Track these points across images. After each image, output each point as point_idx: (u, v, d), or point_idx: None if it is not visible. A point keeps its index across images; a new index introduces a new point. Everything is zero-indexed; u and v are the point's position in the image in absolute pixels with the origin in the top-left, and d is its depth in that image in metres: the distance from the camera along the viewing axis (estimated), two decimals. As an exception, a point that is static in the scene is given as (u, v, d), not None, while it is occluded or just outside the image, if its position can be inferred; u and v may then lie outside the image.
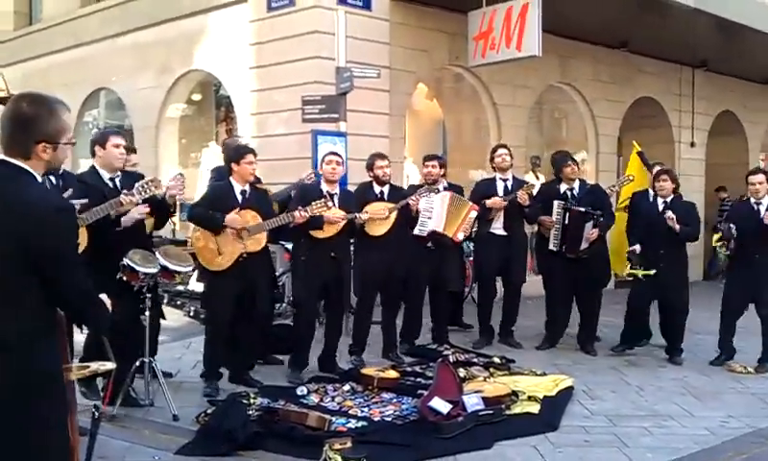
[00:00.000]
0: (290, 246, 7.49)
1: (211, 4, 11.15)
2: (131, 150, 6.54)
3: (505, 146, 8.35)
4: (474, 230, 8.08)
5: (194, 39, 11.50)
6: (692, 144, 15.20)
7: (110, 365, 3.25)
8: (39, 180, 2.66)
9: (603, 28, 12.28)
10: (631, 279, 7.77)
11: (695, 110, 15.15)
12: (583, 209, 7.77)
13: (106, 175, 5.45)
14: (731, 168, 15.31)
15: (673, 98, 14.86)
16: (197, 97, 12.92)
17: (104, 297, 2.90)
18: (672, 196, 7.64)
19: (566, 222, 7.78)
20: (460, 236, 7.51)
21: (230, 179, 6.11)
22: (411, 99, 11.70)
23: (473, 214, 7.53)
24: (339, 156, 6.86)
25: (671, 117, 14.87)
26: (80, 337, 4.40)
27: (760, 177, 7.24)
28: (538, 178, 13.26)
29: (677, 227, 7.33)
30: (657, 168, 8.25)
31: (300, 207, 6.21)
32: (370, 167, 7.16)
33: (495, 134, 12.22)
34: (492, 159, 8.27)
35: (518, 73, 11.79)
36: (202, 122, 13.38)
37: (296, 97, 9.31)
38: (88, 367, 3.14)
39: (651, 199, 7.81)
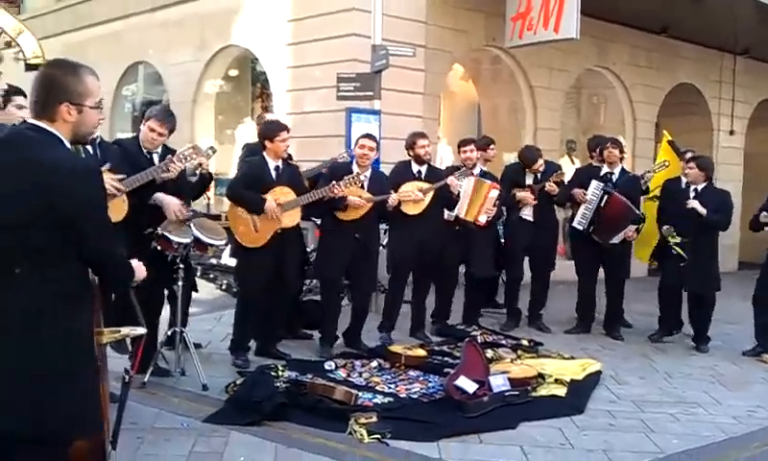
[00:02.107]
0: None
1: (250, -20, 11.19)
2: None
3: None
4: (504, 216, 8.08)
5: (232, 15, 11.55)
6: (731, 132, 14.95)
7: (141, 330, 3.31)
8: (67, 144, 2.68)
9: (642, 12, 12.09)
10: (656, 265, 7.72)
11: (735, 98, 14.88)
12: (638, 212, 7.74)
13: (144, 149, 5.52)
14: (770, 159, 15.09)
15: (713, 85, 14.60)
16: (234, 73, 13.01)
17: (136, 262, 2.94)
18: (704, 184, 7.54)
19: (602, 204, 7.73)
20: (482, 219, 7.41)
21: (264, 154, 6.16)
22: (446, 79, 11.66)
23: (494, 193, 7.42)
24: (374, 140, 6.83)
25: (710, 104, 14.63)
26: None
27: None
28: (573, 162, 13.15)
29: (702, 210, 7.25)
30: (688, 155, 8.15)
31: (334, 182, 6.24)
32: (410, 146, 7.13)
33: (531, 118, 12.16)
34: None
35: (555, 56, 11.68)
36: (238, 98, 13.47)
37: (331, 74, 9.32)
38: (119, 331, 3.19)
39: (683, 186, 7.72)
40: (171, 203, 5.34)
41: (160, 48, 12.97)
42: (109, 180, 4.61)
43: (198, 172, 5.79)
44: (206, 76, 12.48)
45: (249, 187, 6.06)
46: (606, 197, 7.72)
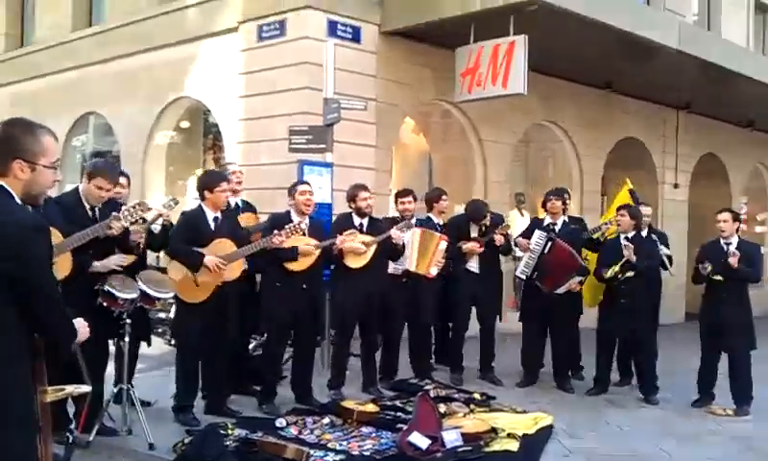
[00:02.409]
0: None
1: (202, 32, 11.22)
2: (122, 175, 6.44)
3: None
4: (450, 268, 8.11)
5: (184, 67, 11.56)
6: (676, 185, 15.36)
7: (86, 388, 3.23)
8: (17, 200, 2.63)
9: (587, 68, 12.45)
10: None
11: (679, 152, 15.33)
12: (582, 263, 7.84)
13: (86, 204, 5.41)
14: (714, 210, 15.38)
15: (657, 139, 15.04)
16: (185, 124, 12.95)
17: (80, 321, 2.87)
18: (633, 233, 7.71)
19: (545, 251, 7.83)
20: (433, 271, 7.50)
21: (202, 205, 6.07)
22: (398, 132, 11.78)
23: (443, 245, 7.53)
24: (310, 185, 6.89)
25: (655, 158, 15.04)
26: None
27: (725, 215, 7.36)
28: (522, 215, 13.36)
29: (633, 257, 7.39)
30: (644, 208, 8.34)
31: (275, 232, 6.18)
32: (351, 198, 7.17)
33: (481, 170, 12.33)
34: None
35: (504, 110, 11.90)
36: (190, 150, 13.38)
37: (283, 127, 9.35)
38: (64, 389, 3.10)
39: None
40: (108, 263, 5.24)
41: (111, 99, 12.87)
42: None
43: (161, 223, 5.72)
44: (158, 127, 12.40)
45: (187, 240, 5.93)
46: (549, 244, 7.84)
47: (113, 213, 5.16)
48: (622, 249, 7.45)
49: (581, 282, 7.91)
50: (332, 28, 10.08)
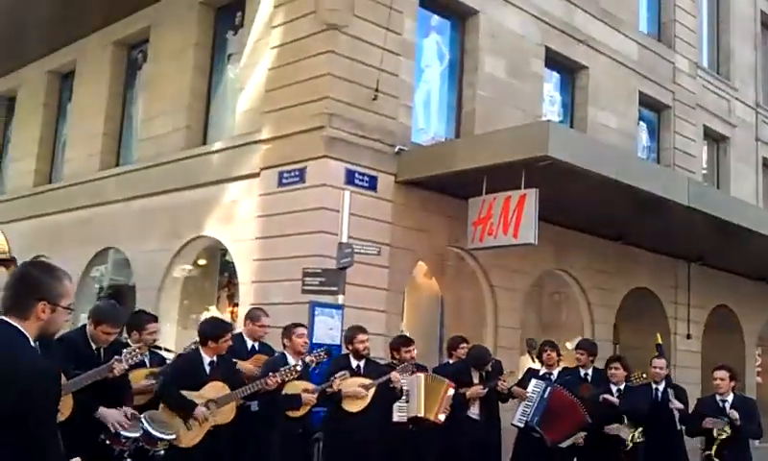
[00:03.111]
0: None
1: (224, 176, 11.66)
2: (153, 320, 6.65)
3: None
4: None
5: (204, 207, 11.94)
6: (688, 336, 15.30)
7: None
8: (31, 342, 2.77)
9: (598, 220, 12.72)
10: None
11: (690, 303, 15.37)
12: (587, 418, 7.80)
13: (93, 345, 5.50)
14: (727, 361, 15.24)
15: (668, 290, 15.12)
16: (203, 262, 13.23)
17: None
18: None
19: (545, 396, 7.83)
20: (441, 417, 7.49)
21: (200, 349, 6.15)
22: (410, 276, 11.97)
23: (451, 392, 7.56)
24: (306, 328, 7.06)
25: (667, 309, 15.08)
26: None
27: (722, 373, 7.36)
28: (534, 361, 13.28)
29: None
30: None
31: (270, 374, 6.23)
32: (349, 340, 7.25)
33: (492, 315, 12.39)
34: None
35: (515, 258, 12.09)
36: (205, 285, 13.62)
37: (297, 268, 9.56)
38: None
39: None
40: (110, 415, 5.26)
41: (131, 236, 13.24)
42: None
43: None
44: (175, 263, 12.67)
45: (180, 384, 5.97)
46: (549, 389, 7.87)
47: (115, 356, 5.23)
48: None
49: (585, 438, 7.83)
50: (350, 176, 10.45)
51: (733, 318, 16.73)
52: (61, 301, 2.86)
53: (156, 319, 6.55)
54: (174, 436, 5.77)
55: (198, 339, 6.22)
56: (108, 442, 5.21)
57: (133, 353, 5.27)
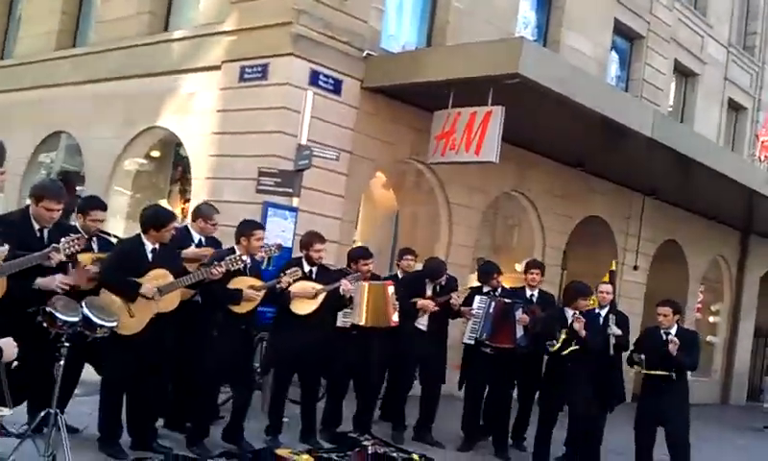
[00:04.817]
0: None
1: (183, 66, 11.28)
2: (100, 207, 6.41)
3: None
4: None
5: (162, 97, 11.57)
6: (635, 268, 15.57)
7: (7, 411, 3.16)
8: None
9: (562, 145, 12.69)
10: None
11: (641, 236, 15.58)
12: (508, 300, 8.03)
13: (36, 225, 5.32)
14: (670, 296, 15.61)
15: (621, 221, 15.29)
16: (156, 153, 12.91)
17: (9, 341, 2.83)
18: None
19: (490, 311, 7.97)
20: (395, 318, 7.52)
21: (142, 236, 5.97)
22: (368, 185, 11.86)
23: (391, 290, 7.57)
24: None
25: (617, 239, 15.27)
26: None
27: (666, 309, 7.49)
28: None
29: (583, 332, 7.38)
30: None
31: (215, 263, 6.09)
32: (305, 246, 7.10)
33: (446, 231, 12.40)
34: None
35: (475, 176, 12.05)
36: (158, 178, 13.32)
37: (252, 167, 9.37)
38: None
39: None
40: (51, 282, 5.13)
41: (84, 121, 12.82)
42: None
43: None
44: (127, 153, 12.35)
45: (123, 270, 5.81)
46: (492, 304, 8.01)
47: (53, 245, 5.01)
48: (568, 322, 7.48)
49: (525, 311, 7.99)
50: (314, 77, 10.17)
51: (681, 254, 17.04)
52: None
53: (104, 207, 6.26)
54: (115, 323, 5.63)
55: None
56: (45, 324, 5.08)
57: (72, 243, 5.05)
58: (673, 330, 7.39)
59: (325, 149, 9.48)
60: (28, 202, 5.48)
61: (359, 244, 12.28)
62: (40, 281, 5.10)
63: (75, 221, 6.28)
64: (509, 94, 9.55)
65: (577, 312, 7.45)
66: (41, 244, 5.14)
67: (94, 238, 6.15)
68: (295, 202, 9.07)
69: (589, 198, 14.50)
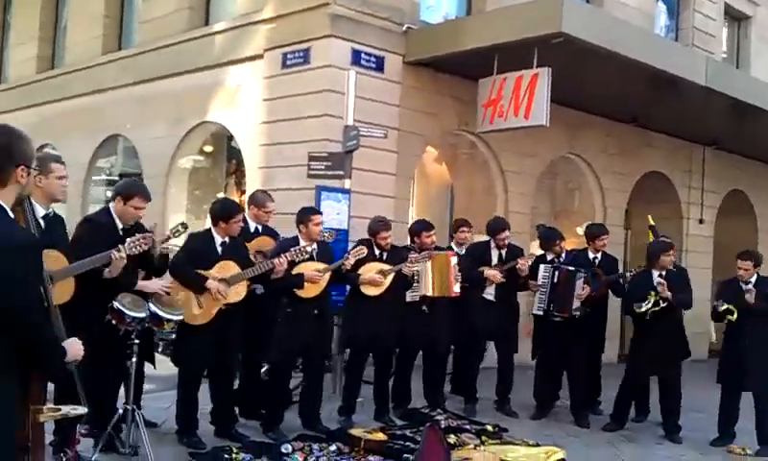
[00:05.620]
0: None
1: (227, 59, 11.35)
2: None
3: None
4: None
5: (209, 92, 11.67)
6: (701, 221, 15.15)
7: (82, 410, 3.22)
8: (10, 213, 2.68)
9: (613, 102, 12.36)
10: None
11: (704, 188, 15.13)
12: (572, 268, 7.86)
13: (119, 224, 5.48)
14: (739, 247, 15.17)
15: (682, 174, 14.87)
16: (209, 148, 13.08)
17: (74, 341, 2.87)
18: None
19: (555, 281, 7.83)
20: (457, 289, 7.49)
21: (212, 230, 6.09)
22: (419, 161, 11.78)
23: (454, 260, 7.55)
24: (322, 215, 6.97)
25: (680, 193, 14.86)
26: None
27: (747, 263, 7.30)
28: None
29: (668, 293, 7.30)
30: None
31: (280, 254, 6.17)
32: (373, 235, 7.12)
33: (503, 201, 12.26)
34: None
35: (527, 142, 11.85)
36: (213, 173, 13.51)
37: (303, 153, 9.39)
38: (59, 409, 3.10)
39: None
40: (153, 285, 5.49)
41: (136, 123, 13.03)
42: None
43: (159, 251, 5.68)
44: (181, 151, 12.52)
45: (193, 263, 5.94)
46: (555, 272, 7.85)
47: (118, 245, 5.11)
48: (654, 284, 7.36)
49: (585, 283, 7.81)
50: (356, 57, 10.13)
51: (747, 203, 16.51)
52: (33, 163, 2.81)
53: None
54: (181, 316, 5.75)
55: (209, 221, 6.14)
56: (114, 322, 5.19)
57: (136, 243, 5.16)
58: (753, 280, 7.20)
59: (373, 128, 9.44)
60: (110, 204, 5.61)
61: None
62: (107, 272, 5.20)
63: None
64: (554, 54, 9.34)
65: (663, 273, 7.38)
66: (123, 242, 5.25)
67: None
68: (347, 183, 9.06)
69: (647, 153, 14.13)
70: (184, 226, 5.95)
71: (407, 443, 6.31)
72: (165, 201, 12.36)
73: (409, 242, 7.88)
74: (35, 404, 2.84)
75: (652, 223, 9.14)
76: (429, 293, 7.36)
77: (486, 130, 10.66)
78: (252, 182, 10.67)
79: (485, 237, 8.49)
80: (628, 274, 8.72)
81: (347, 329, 7.30)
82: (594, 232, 8.71)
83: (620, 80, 10.79)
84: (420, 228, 7.68)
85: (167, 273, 5.92)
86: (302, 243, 6.45)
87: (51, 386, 3.20)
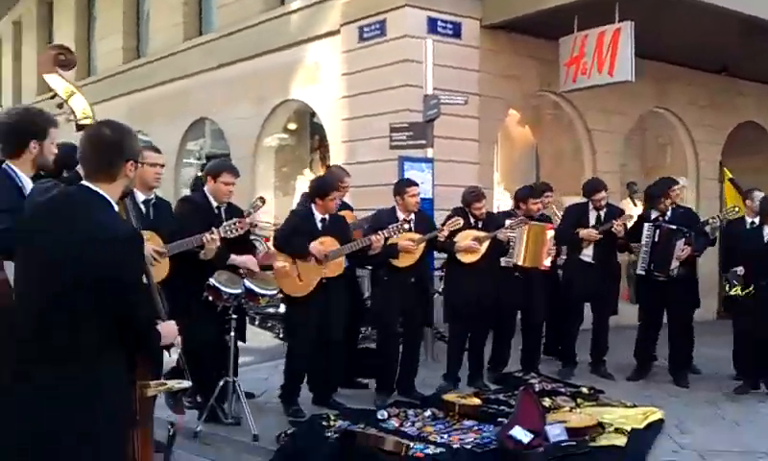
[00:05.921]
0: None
1: (305, 36, 11.47)
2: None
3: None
4: (563, 256, 8.01)
5: (289, 71, 11.83)
6: (799, 171, 14.43)
7: (186, 383, 3.39)
8: (115, 207, 2.81)
9: (700, 52, 11.89)
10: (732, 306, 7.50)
11: (803, 136, 14.39)
12: (674, 227, 7.60)
13: (214, 202, 5.71)
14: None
15: (778, 122, 14.20)
16: (292, 126, 13.29)
17: (169, 324, 3.01)
18: None
19: (656, 240, 7.63)
20: (547, 263, 7.44)
21: (312, 207, 6.26)
22: (502, 126, 11.65)
23: (551, 233, 7.47)
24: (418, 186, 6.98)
25: (776, 143, 14.20)
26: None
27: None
28: (635, 204, 12.89)
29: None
30: (756, 193, 7.90)
31: (379, 231, 6.27)
32: (467, 205, 7.12)
33: (590, 161, 12.03)
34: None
35: (613, 99, 11.55)
36: (298, 150, 13.73)
37: (384, 125, 9.43)
38: (165, 384, 3.26)
39: (748, 226, 7.49)
40: (247, 262, 5.64)
41: (220, 105, 13.35)
42: (150, 248, 4.61)
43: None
44: (266, 130, 12.76)
45: (294, 237, 6.14)
46: (657, 231, 7.63)
47: (212, 228, 5.29)
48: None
49: (687, 243, 7.54)
50: (432, 25, 10.07)
51: None
52: (140, 157, 2.94)
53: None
54: (275, 291, 5.95)
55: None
56: (210, 298, 5.39)
57: (232, 227, 5.34)
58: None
59: (453, 95, 9.36)
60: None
61: (501, 186, 12.16)
62: (234, 258, 5.53)
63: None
64: (636, 7, 9.09)
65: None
66: (221, 221, 5.50)
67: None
68: (429, 153, 9.05)
69: (739, 103, 13.54)
70: (262, 200, 6.13)
71: (501, 407, 6.32)
72: (254, 179, 12.65)
73: (512, 207, 7.82)
74: (141, 380, 2.98)
75: (730, 175, 8.77)
76: (520, 262, 7.33)
77: (569, 89, 10.45)
78: (336, 157, 10.80)
79: (574, 199, 8.35)
80: (711, 220, 8.37)
81: (447, 299, 7.34)
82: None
83: (707, 29, 10.37)
84: (527, 194, 7.63)
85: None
86: (400, 214, 6.56)
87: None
